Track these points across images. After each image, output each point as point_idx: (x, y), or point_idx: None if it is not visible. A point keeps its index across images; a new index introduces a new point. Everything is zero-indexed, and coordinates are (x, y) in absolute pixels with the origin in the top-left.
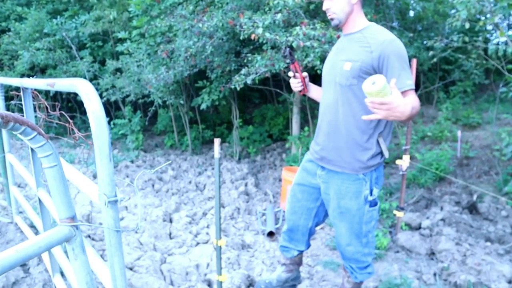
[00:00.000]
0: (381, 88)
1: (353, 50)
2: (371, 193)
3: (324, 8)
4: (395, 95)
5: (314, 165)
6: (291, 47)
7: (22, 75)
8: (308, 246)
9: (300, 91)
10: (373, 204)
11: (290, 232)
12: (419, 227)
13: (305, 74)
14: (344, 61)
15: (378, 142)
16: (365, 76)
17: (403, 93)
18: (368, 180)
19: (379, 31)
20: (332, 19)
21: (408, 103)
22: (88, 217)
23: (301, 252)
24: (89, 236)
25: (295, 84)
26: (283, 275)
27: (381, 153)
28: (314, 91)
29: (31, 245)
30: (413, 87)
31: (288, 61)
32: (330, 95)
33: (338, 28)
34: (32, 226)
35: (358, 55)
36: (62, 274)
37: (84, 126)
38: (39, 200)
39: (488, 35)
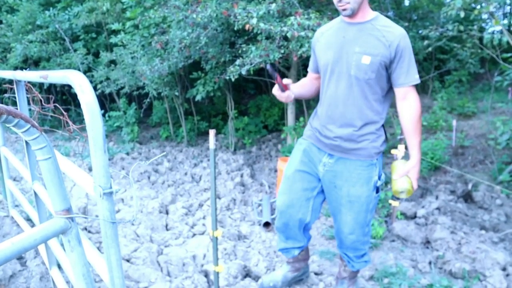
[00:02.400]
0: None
1: (369, 43)
2: (379, 178)
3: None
4: (407, 165)
5: (320, 152)
6: (272, 64)
7: (15, 68)
8: (309, 238)
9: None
10: (378, 190)
11: (285, 228)
12: (414, 216)
13: (287, 81)
14: (361, 54)
15: (384, 128)
16: (382, 70)
17: (409, 87)
18: (379, 164)
19: (390, 23)
20: (344, 9)
21: (417, 146)
22: (84, 209)
23: (303, 248)
24: (85, 229)
25: (284, 98)
26: (289, 275)
27: (386, 137)
28: (297, 91)
29: (26, 237)
30: (419, 81)
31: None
32: (343, 87)
33: (349, 19)
34: (28, 219)
35: (377, 48)
36: (59, 266)
37: (79, 118)
38: (35, 193)
39: (483, 24)
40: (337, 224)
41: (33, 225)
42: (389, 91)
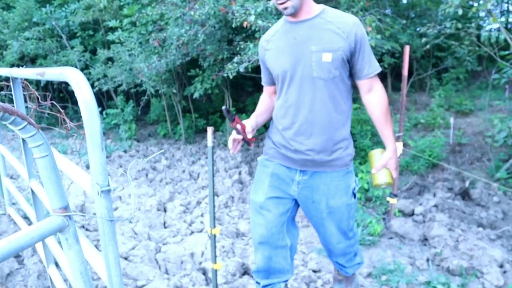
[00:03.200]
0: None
1: (325, 38)
2: (355, 183)
3: None
4: (384, 156)
5: (290, 171)
6: (227, 110)
7: (12, 65)
8: (293, 270)
9: (248, 144)
10: (356, 195)
11: (269, 262)
12: (412, 214)
13: (247, 125)
14: (320, 52)
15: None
16: (344, 65)
17: (374, 76)
18: (353, 170)
19: (340, 13)
20: (285, 8)
21: (391, 136)
22: (82, 207)
23: (287, 282)
24: (83, 227)
25: (237, 142)
26: None
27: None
28: (261, 120)
29: (23, 235)
30: (381, 68)
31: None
32: (306, 92)
33: (292, 18)
34: (25, 217)
35: (335, 43)
36: (56, 264)
37: (77, 116)
38: (32, 191)
39: (481, 22)
40: (322, 236)
41: (30, 223)
42: (351, 87)
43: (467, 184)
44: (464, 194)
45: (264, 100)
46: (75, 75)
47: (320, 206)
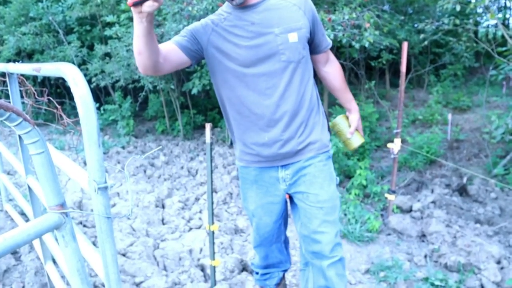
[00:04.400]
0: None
1: (286, 18)
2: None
3: None
4: (353, 118)
5: (272, 170)
6: None
7: (8, 61)
8: (290, 260)
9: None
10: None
11: (266, 263)
12: (410, 210)
13: None
14: (285, 33)
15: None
16: (307, 43)
17: (328, 50)
18: (331, 155)
19: None
20: None
21: (353, 98)
22: (79, 203)
23: (286, 271)
24: (80, 223)
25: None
26: None
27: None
28: (152, 34)
29: (19, 232)
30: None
31: None
32: (276, 79)
33: (242, 5)
34: (22, 213)
35: (297, 21)
36: (54, 261)
37: (74, 112)
38: (29, 187)
39: (478, 18)
40: (311, 230)
41: (27, 220)
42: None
43: (464, 180)
44: (462, 191)
45: (162, 46)
46: (71, 70)
47: (308, 200)
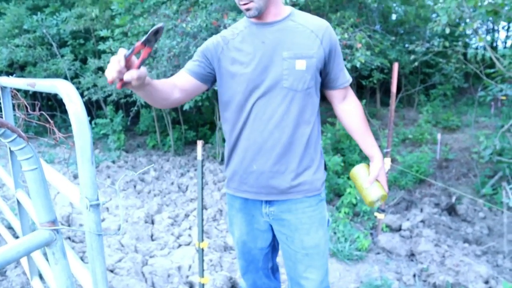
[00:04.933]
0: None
1: (299, 43)
2: (328, 215)
3: None
4: (374, 167)
5: (255, 205)
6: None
7: (0, 72)
8: (280, 284)
9: (121, 81)
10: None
11: (255, 286)
12: (399, 229)
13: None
14: (293, 58)
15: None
16: (318, 74)
17: (347, 86)
18: (325, 198)
19: (311, 16)
20: (248, 9)
21: (375, 144)
22: (68, 218)
23: None
24: (69, 238)
25: (115, 67)
26: None
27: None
28: (155, 84)
29: (8, 249)
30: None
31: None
32: (274, 106)
33: (257, 21)
34: (9, 227)
35: (309, 48)
36: (40, 277)
37: (65, 125)
38: (18, 201)
39: (467, 40)
40: (296, 274)
41: (14, 234)
42: (319, 99)
43: (453, 199)
44: (451, 210)
45: (168, 80)
46: (66, 87)
47: (293, 245)
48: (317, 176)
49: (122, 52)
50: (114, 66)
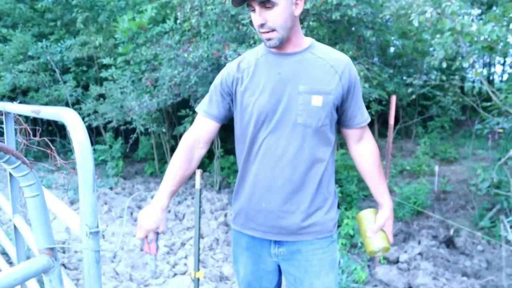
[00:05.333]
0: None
1: (317, 78)
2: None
3: (257, 23)
4: (381, 216)
5: (263, 244)
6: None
7: (3, 97)
8: None
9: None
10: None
11: None
12: (397, 261)
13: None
14: (309, 93)
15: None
16: (334, 112)
17: (365, 126)
18: (337, 239)
19: (332, 50)
20: (269, 39)
21: (387, 191)
22: (63, 244)
23: None
24: (63, 265)
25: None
26: None
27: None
28: (172, 194)
29: (5, 276)
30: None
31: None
32: (286, 142)
33: (276, 50)
34: (3, 253)
35: (328, 84)
36: None
37: (64, 150)
38: (15, 227)
39: (464, 73)
40: None
41: (8, 259)
42: (336, 137)
43: (451, 232)
44: (449, 242)
45: (185, 154)
46: (71, 116)
47: (302, 286)
48: (329, 217)
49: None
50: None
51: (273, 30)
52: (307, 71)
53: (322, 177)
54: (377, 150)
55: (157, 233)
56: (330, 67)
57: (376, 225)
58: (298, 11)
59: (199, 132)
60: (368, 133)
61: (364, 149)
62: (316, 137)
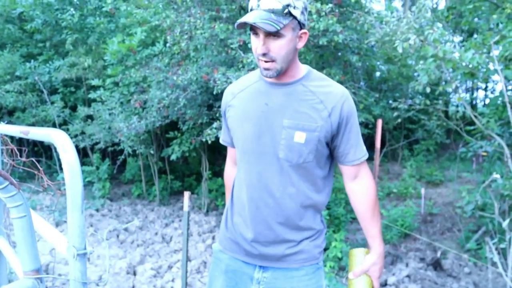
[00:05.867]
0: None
1: (303, 113)
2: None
3: (260, 51)
4: (367, 260)
5: (248, 267)
6: None
7: None
8: None
9: None
10: None
11: None
12: (385, 284)
13: None
14: (293, 129)
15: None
16: (322, 148)
17: (361, 163)
18: (322, 266)
19: (326, 81)
20: (267, 69)
21: (378, 236)
22: (46, 267)
23: None
24: None
25: None
26: None
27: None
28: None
29: None
30: (367, 154)
31: None
32: (269, 174)
33: (270, 80)
34: None
35: (313, 121)
36: None
37: (49, 171)
38: None
39: (449, 97)
40: None
41: None
42: (331, 166)
43: (438, 254)
44: (436, 265)
45: (230, 176)
46: (61, 137)
47: None
48: (316, 243)
49: None
50: None
51: (273, 61)
52: (294, 105)
53: (309, 210)
54: (372, 191)
55: None
56: (320, 102)
57: (359, 269)
58: (300, 45)
59: (233, 159)
60: (364, 171)
61: (358, 188)
62: (298, 172)
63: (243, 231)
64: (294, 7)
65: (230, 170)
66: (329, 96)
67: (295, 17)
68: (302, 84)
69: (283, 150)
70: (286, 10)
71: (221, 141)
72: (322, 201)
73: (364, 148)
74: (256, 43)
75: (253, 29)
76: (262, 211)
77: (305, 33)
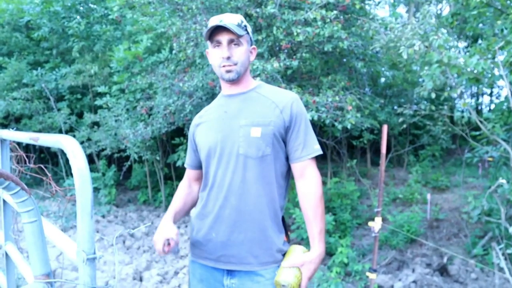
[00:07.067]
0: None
1: (257, 112)
2: None
3: (222, 55)
4: (302, 257)
5: (216, 273)
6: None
7: None
8: None
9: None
10: None
11: None
12: None
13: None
14: (249, 126)
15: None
16: (278, 143)
17: (308, 160)
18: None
19: (277, 89)
20: (229, 71)
21: (317, 236)
22: (54, 273)
23: None
24: None
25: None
26: None
27: (287, 230)
28: (179, 217)
29: None
30: (321, 152)
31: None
32: (232, 173)
33: (233, 83)
34: None
35: (267, 117)
36: None
37: (56, 177)
38: (6, 254)
39: (454, 102)
40: None
41: None
42: (289, 171)
43: (445, 260)
44: (443, 270)
45: (183, 190)
46: (71, 143)
47: None
48: (278, 246)
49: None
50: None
51: (235, 64)
52: (250, 107)
53: (268, 207)
54: (316, 191)
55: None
56: (272, 103)
57: (291, 260)
58: (252, 58)
59: (188, 180)
60: (310, 170)
61: (304, 187)
62: (259, 167)
63: (207, 234)
64: (246, 26)
65: (183, 184)
66: (280, 98)
67: (248, 33)
68: (256, 92)
69: (242, 146)
70: (243, 25)
71: (185, 165)
72: (282, 197)
73: (314, 147)
74: (219, 51)
75: (215, 41)
76: (225, 210)
77: (254, 48)
